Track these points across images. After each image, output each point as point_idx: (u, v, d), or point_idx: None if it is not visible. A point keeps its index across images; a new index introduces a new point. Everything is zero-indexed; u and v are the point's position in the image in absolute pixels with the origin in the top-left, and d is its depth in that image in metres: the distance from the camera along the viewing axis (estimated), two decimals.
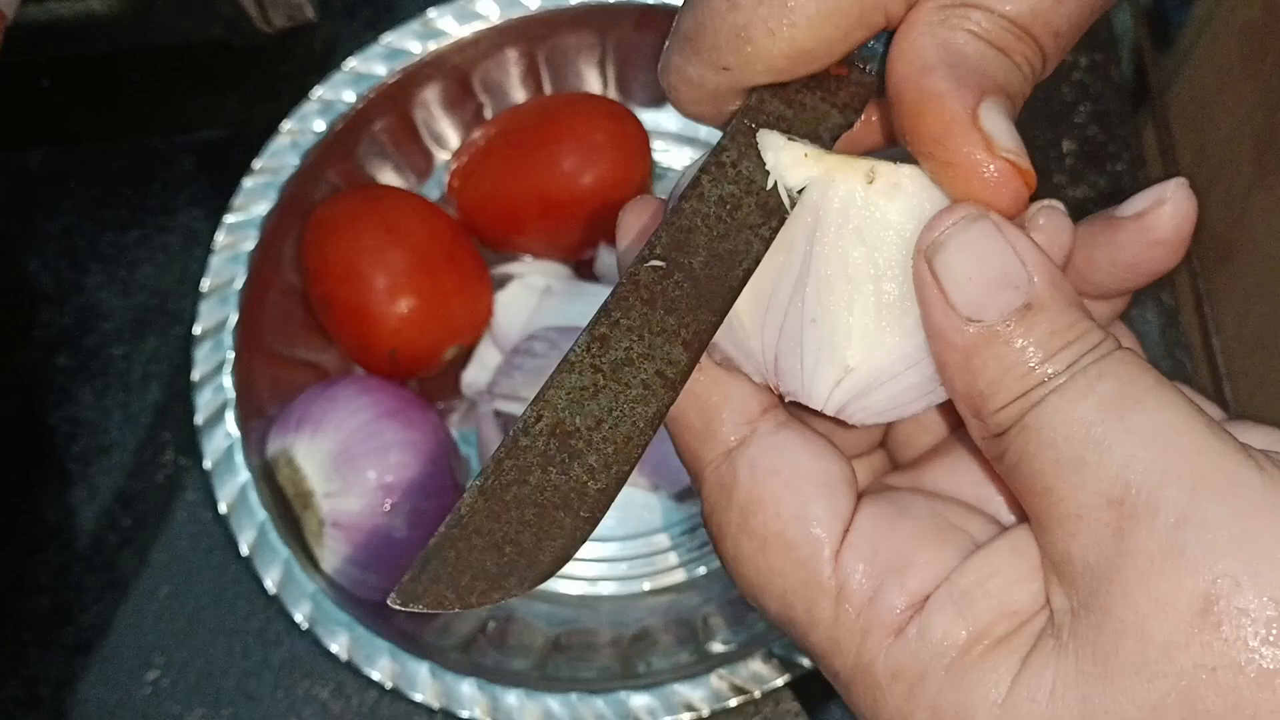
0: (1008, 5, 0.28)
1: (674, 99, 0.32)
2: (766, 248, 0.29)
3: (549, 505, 0.27)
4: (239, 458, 0.53)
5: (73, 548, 0.60)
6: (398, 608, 0.27)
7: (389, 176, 0.62)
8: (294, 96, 0.60)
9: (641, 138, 0.60)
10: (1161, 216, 0.30)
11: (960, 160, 0.27)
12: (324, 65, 0.66)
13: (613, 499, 0.27)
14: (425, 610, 0.27)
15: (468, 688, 0.50)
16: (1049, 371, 0.26)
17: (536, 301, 0.58)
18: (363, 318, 0.56)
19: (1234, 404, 0.59)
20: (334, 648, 0.50)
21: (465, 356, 0.59)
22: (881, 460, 0.35)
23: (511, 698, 0.49)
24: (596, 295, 0.59)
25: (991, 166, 0.27)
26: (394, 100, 0.60)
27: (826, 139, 0.31)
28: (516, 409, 0.56)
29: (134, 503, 0.60)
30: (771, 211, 0.29)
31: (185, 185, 0.66)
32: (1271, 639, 0.23)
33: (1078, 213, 0.33)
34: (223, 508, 0.52)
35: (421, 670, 0.50)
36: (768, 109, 0.31)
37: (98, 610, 0.58)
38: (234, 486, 0.52)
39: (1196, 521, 0.24)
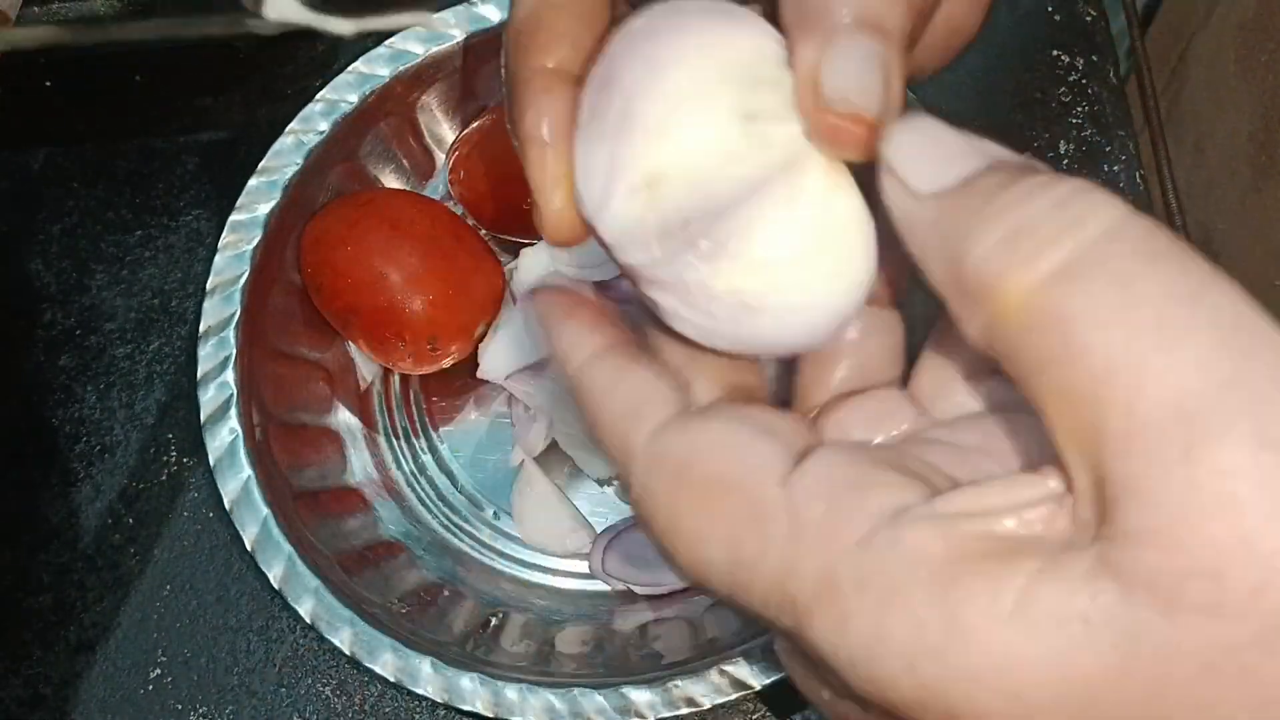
0: None
1: None
2: None
3: None
4: (242, 454, 0.53)
5: (75, 547, 0.60)
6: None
7: (391, 178, 0.62)
8: (297, 98, 0.60)
9: None
10: None
11: (803, 112, 0.28)
12: (326, 67, 0.67)
13: None
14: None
15: (469, 682, 0.50)
16: (1075, 215, 0.23)
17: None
18: (394, 316, 0.56)
19: None
20: (337, 642, 0.50)
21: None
22: None
23: (512, 692, 0.50)
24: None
25: (828, 120, 0.27)
26: (397, 102, 0.60)
27: None
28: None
29: (137, 502, 0.60)
30: None
31: (188, 186, 0.67)
32: None
33: None
34: (226, 503, 0.52)
35: (424, 665, 0.50)
36: None
37: (100, 609, 0.59)
38: (237, 483, 0.52)
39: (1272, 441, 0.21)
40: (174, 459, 0.61)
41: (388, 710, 0.57)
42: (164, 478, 0.61)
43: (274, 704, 0.57)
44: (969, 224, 0.24)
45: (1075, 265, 0.23)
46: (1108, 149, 0.65)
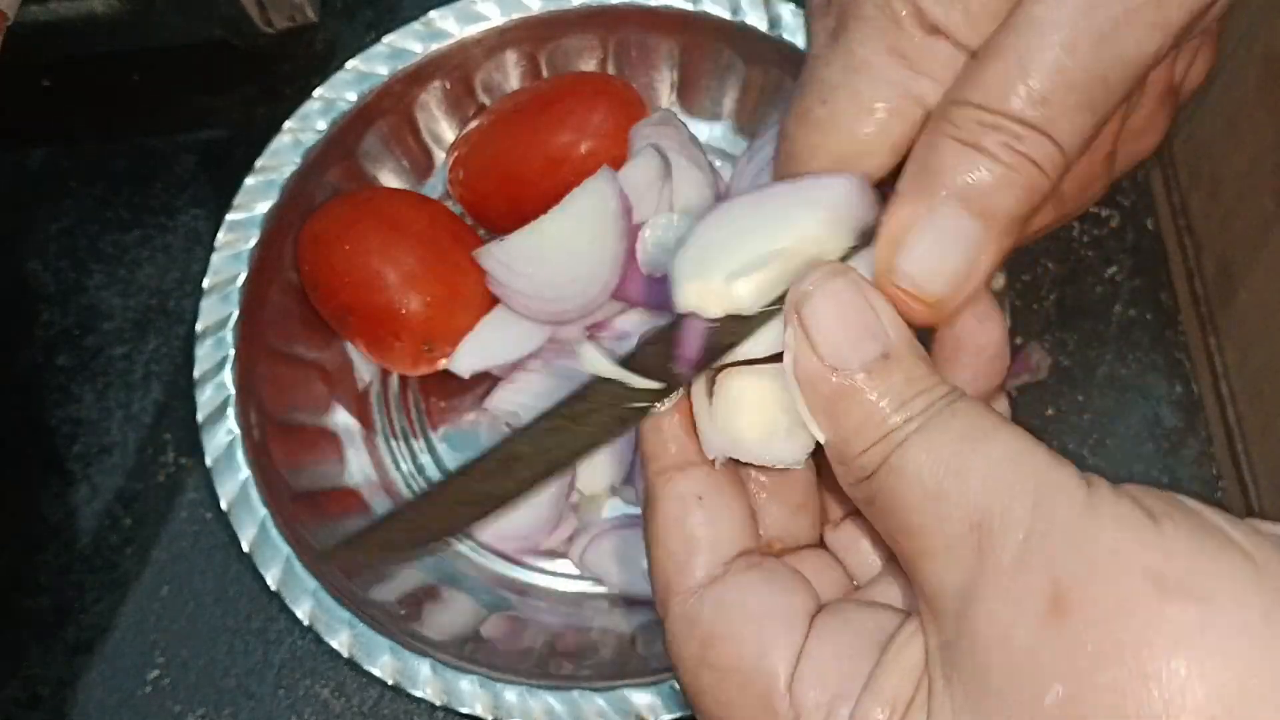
0: (998, 100, 0.29)
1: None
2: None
3: (464, 503, 0.32)
4: (240, 455, 0.53)
5: (74, 547, 0.60)
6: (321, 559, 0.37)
7: (389, 176, 0.62)
8: (295, 97, 0.60)
9: (638, 101, 0.60)
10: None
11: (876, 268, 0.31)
12: (325, 66, 0.66)
13: (522, 499, 0.32)
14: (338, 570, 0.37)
15: (468, 684, 0.50)
16: (907, 415, 0.29)
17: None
18: (390, 316, 0.56)
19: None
20: (335, 644, 0.50)
21: None
22: (842, 578, 0.35)
23: (512, 694, 0.49)
24: None
25: (889, 288, 0.31)
26: (396, 100, 0.60)
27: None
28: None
29: (135, 502, 0.60)
30: None
31: (186, 185, 0.66)
32: (1110, 616, 0.25)
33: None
34: (224, 504, 0.52)
35: (423, 667, 0.50)
36: None
37: (98, 610, 0.58)
38: (235, 484, 0.52)
39: (1039, 532, 0.27)
40: (172, 459, 0.61)
41: (386, 712, 0.56)
42: (162, 478, 0.61)
43: (272, 706, 0.57)
44: (857, 420, 0.29)
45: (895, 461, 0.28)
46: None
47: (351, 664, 0.51)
